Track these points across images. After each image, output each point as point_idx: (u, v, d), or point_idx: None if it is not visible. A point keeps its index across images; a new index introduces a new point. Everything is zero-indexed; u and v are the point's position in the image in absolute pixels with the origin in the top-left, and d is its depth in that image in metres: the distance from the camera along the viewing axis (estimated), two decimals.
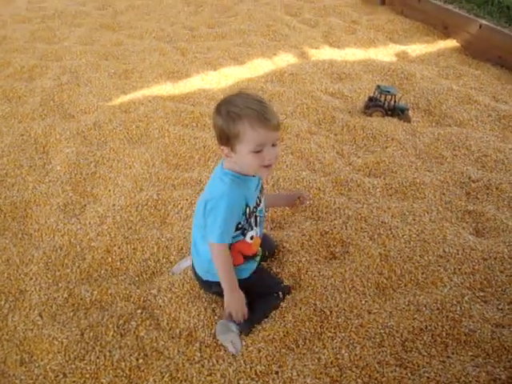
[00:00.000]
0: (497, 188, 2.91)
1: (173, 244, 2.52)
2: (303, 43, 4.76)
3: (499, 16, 5.43)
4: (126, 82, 4.09)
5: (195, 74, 4.20)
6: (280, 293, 2.21)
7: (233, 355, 2.00)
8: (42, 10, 5.68)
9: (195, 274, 2.23)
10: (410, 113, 3.67)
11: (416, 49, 4.73)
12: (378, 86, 3.64)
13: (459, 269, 2.37)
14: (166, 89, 3.98)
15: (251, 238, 2.11)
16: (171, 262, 2.45)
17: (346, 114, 3.65)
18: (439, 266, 2.39)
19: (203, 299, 2.20)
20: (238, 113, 1.84)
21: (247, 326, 2.09)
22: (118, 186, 2.95)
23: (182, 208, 2.78)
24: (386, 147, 3.29)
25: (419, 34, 5.02)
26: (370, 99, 3.65)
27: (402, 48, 4.75)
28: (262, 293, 2.21)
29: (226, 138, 1.88)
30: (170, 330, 2.11)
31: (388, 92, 3.58)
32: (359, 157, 3.24)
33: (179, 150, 3.26)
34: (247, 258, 2.16)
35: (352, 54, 4.63)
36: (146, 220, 2.72)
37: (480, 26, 4.54)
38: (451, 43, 4.82)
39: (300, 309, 2.16)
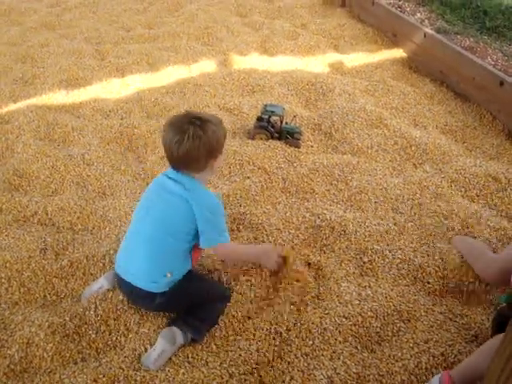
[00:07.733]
0: (349, 238, 2.47)
1: None
2: (233, 49, 4.36)
3: (473, 22, 4.85)
4: (24, 89, 3.85)
5: (98, 81, 3.91)
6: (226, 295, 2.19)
7: None
8: None
9: (132, 287, 2.06)
10: (307, 135, 3.24)
11: (355, 58, 4.22)
12: (265, 105, 3.22)
13: None
14: (58, 98, 3.72)
15: None
16: None
17: (229, 135, 3.25)
18: None
19: None
20: (223, 127, 2.07)
21: (200, 335, 2.06)
22: None
23: None
24: (248, 177, 2.89)
25: (366, 42, 4.49)
26: (258, 119, 3.23)
27: (341, 57, 4.26)
28: (206, 300, 2.15)
29: (217, 150, 2.02)
30: None
31: (272, 112, 3.16)
32: (217, 187, 2.86)
33: (29, 168, 3.00)
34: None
35: (280, 63, 4.18)
36: None
37: (424, 35, 3.98)
38: (397, 53, 4.27)
39: None
